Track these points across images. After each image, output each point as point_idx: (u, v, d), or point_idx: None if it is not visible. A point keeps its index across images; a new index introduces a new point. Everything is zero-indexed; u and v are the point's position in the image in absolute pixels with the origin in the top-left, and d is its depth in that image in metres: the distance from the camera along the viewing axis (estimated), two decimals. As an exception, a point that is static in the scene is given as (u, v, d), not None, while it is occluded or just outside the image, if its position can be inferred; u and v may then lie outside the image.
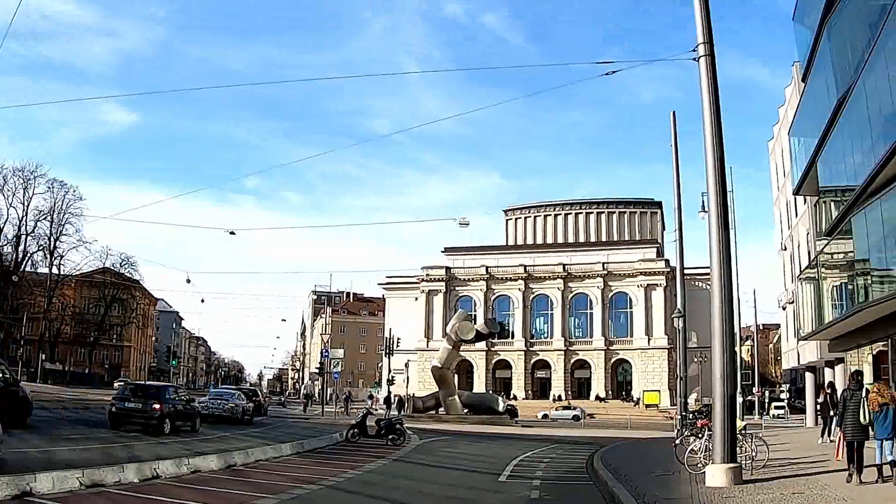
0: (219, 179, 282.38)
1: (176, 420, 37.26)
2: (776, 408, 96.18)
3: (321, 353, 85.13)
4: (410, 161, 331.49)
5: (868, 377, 43.62)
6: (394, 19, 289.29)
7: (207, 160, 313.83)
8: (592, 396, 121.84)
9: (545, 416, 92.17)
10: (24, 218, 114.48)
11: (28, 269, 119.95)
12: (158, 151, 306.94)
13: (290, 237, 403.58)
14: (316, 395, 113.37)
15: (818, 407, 44.22)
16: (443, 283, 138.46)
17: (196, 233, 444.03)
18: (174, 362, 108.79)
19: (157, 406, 35.75)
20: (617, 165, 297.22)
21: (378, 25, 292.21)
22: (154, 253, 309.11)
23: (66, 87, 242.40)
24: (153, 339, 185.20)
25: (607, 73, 25.78)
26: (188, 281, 76.00)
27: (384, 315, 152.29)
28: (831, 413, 36.03)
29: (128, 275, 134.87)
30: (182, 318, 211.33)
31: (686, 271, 47.67)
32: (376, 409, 73.63)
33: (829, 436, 34.71)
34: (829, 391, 38.54)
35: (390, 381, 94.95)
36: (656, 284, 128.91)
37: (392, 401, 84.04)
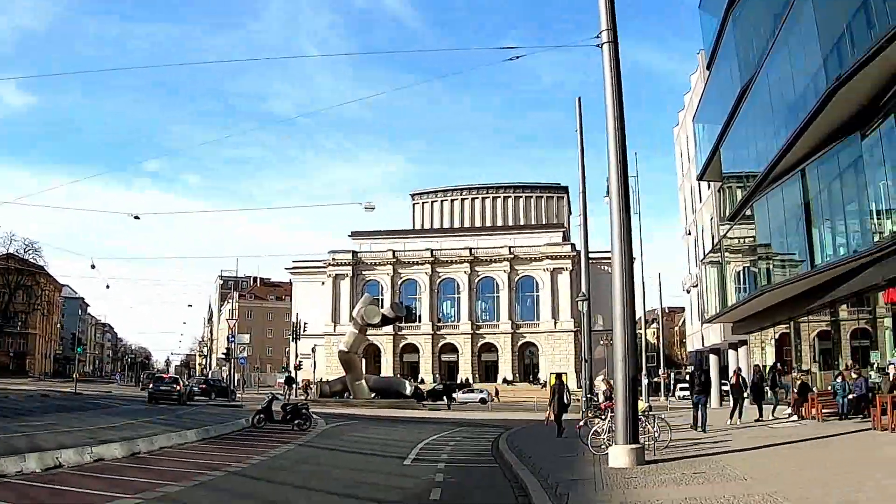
0: (118, 162, 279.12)
1: (185, 397, 64.80)
2: (681, 389, 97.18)
3: (228, 338, 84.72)
4: (313, 145, 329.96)
5: (770, 359, 44.61)
6: (292, 1, 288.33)
7: (105, 143, 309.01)
8: (500, 379, 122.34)
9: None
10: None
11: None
12: (54, 132, 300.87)
13: (195, 221, 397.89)
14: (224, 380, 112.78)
15: (729, 389, 44.69)
16: (350, 268, 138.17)
17: (99, 217, 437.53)
18: (80, 349, 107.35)
19: (177, 387, 65.60)
20: (520, 150, 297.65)
21: (276, 6, 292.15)
22: (57, 238, 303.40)
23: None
24: (59, 326, 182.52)
25: (511, 59, 25.82)
26: (93, 266, 74.32)
27: (291, 300, 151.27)
28: (744, 395, 36.69)
29: (32, 261, 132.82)
30: (88, 305, 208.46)
31: (591, 255, 48.05)
32: (281, 395, 73.43)
33: (738, 417, 35.18)
34: (738, 375, 39.06)
35: (297, 366, 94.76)
36: (562, 268, 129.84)
37: (297, 384, 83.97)
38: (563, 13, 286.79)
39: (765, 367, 43.04)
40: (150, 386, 67.63)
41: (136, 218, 51.53)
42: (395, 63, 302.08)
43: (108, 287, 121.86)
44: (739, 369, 42.49)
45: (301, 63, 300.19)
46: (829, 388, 33.28)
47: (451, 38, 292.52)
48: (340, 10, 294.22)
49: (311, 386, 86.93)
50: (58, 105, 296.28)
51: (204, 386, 78.27)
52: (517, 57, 25.75)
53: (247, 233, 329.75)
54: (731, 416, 35.66)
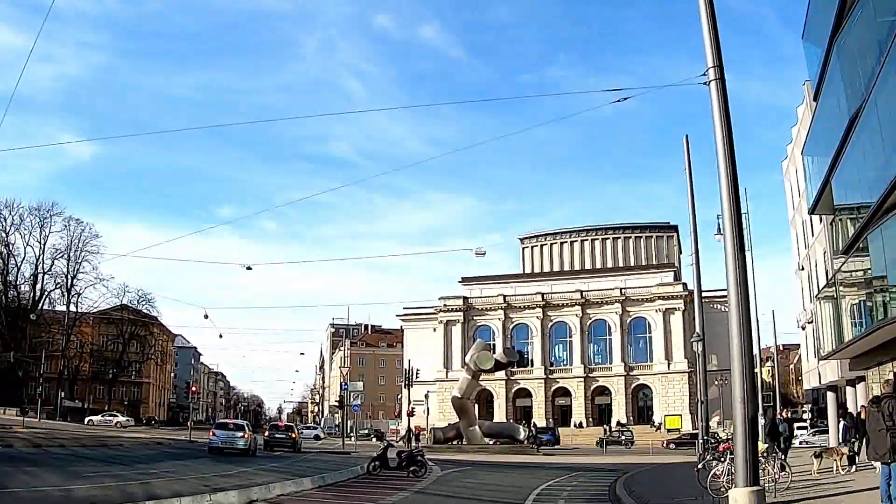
0: (195, 210, 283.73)
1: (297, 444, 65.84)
2: (799, 429, 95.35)
3: (340, 385, 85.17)
4: (380, 187, 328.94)
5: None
6: (326, 36, 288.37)
7: (178, 191, 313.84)
8: (614, 422, 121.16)
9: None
10: (41, 256, 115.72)
11: (46, 307, 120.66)
12: (125, 184, 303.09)
13: (304, 270, 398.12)
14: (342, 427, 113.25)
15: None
16: (461, 313, 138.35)
17: (209, 268, 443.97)
18: (193, 398, 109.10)
19: (293, 435, 67.05)
20: (609, 184, 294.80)
21: (311, 43, 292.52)
22: (168, 289, 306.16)
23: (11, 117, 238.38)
24: (172, 374, 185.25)
25: (618, 101, 25.69)
26: (206, 316, 75.49)
27: (402, 346, 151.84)
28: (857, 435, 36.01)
29: (145, 311, 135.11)
30: (200, 354, 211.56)
31: (704, 294, 47.63)
32: (398, 442, 73.56)
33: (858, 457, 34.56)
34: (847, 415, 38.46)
35: (410, 413, 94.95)
36: (674, 308, 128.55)
37: (412, 432, 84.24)
38: (607, 37, 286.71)
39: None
40: (266, 434, 68.46)
41: (249, 268, 52.54)
42: (453, 95, 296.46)
43: (220, 336, 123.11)
44: (861, 407, 41.71)
45: (351, 102, 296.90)
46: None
47: (492, 66, 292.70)
48: (373, 41, 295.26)
49: (424, 432, 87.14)
50: (118, 155, 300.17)
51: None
52: (624, 99, 25.61)
53: (355, 280, 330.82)
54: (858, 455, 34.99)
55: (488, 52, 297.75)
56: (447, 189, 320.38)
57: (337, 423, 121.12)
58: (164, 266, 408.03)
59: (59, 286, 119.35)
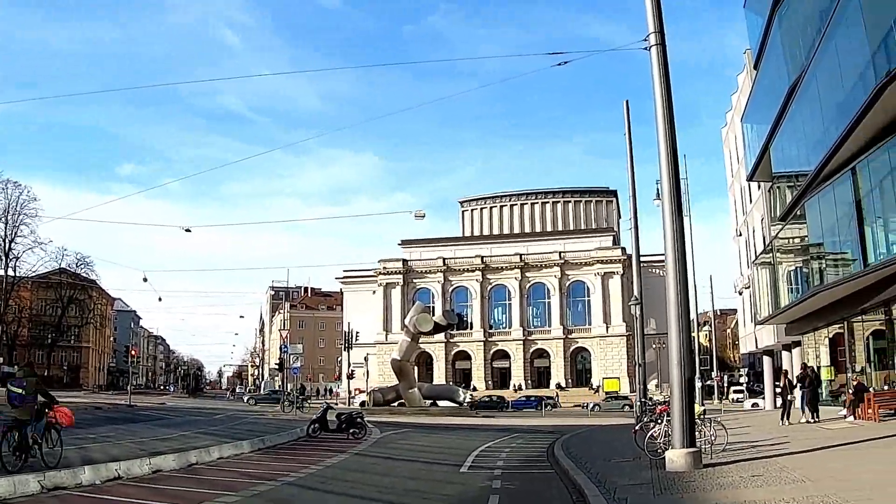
0: (92, 167, 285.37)
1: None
2: (735, 392, 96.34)
3: (280, 348, 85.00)
4: (279, 143, 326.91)
5: (825, 359, 44.25)
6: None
7: (77, 150, 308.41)
8: (552, 385, 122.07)
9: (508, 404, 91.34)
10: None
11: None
12: (24, 143, 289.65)
13: (238, 232, 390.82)
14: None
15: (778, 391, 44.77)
16: (400, 276, 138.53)
17: (147, 230, 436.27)
18: (132, 362, 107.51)
19: None
20: (522, 145, 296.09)
21: None
22: (105, 252, 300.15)
23: None
24: (111, 339, 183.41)
25: (559, 64, 25.80)
26: (145, 280, 74.73)
27: (343, 309, 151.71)
28: (788, 397, 36.65)
29: (84, 275, 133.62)
30: (140, 318, 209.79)
31: (642, 259, 48.05)
32: (336, 404, 73.59)
33: (787, 419, 35.08)
34: (786, 376, 39.00)
35: (350, 375, 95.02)
36: (613, 272, 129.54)
37: (360, 393, 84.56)
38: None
39: (818, 367, 42.96)
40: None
41: (188, 231, 51.93)
42: (335, 51, 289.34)
43: (160, 300, 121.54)
44: (786, 371, 42.37)
45: (235, 56, 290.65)
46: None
47: (370, 15, 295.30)
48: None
49: (363, 395, 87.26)
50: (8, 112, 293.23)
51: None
52: (565, 62, 25.73)
53: (295, 243, 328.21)
54: (782, 418, 35.55)
55: (364, 1, 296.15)
56: (348, 147, 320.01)
57: (278, 386, 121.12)
58: (98, 229, 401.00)
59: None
